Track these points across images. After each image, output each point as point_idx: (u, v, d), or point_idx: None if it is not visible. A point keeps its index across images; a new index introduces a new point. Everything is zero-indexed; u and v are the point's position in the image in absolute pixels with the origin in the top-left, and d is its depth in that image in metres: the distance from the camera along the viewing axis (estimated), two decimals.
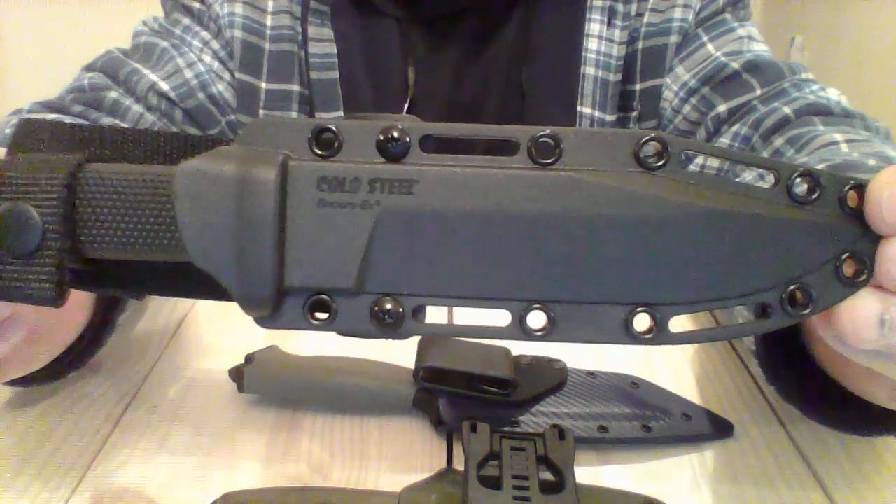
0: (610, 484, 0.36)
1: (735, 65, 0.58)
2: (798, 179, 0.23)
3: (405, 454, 0.39)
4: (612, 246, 0.23)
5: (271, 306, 0.24)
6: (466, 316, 0.25)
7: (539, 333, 0.24)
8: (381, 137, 0.23)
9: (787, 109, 0.53)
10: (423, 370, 0.39)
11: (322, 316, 0.24)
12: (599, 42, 0.60)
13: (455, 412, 0.39)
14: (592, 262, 0.23)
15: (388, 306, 0.24)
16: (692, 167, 0.58)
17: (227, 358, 0.45)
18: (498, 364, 0.39)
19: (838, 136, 0.47)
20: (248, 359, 0.42)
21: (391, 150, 0.23)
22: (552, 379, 0.40)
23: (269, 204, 0.23)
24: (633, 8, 0.61)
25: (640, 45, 0.61)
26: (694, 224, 0.23)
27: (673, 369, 0.46)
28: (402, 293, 0.24)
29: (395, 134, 0.23)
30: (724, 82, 0.58)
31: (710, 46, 0.60)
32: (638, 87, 0.62)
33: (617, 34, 0.60)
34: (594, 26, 0.60)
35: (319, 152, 0.24)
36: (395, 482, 0.34)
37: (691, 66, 0.60)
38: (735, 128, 0.56)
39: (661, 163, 0.23)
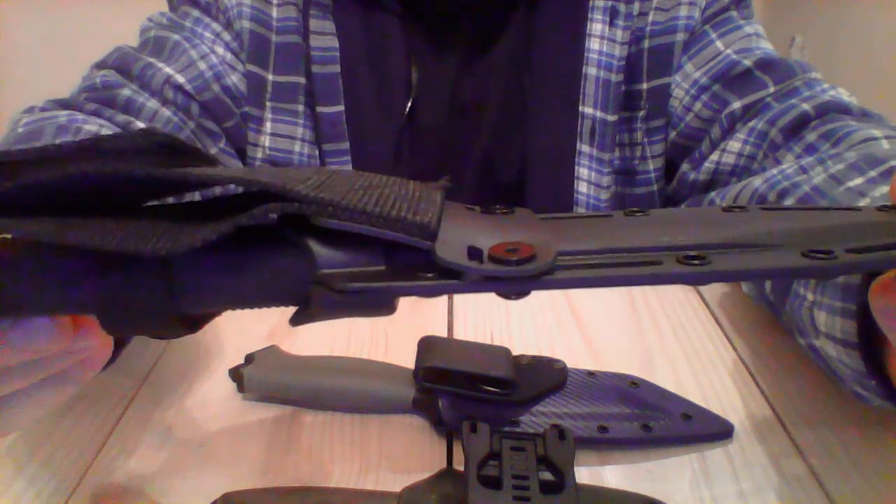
0: (610, 484, 0.36)
1: (747, 62, 0.58)
2: None
3: (405, 454, 0.39)
4: None
5: None
6: None
7: None
8: None
9: (806, 106, 0.53)
10: (423, 370, 0.39)
11: None
12: (601, 42, 0.60)
13: (455, 412, 0.39)
14: None
15: None
16: (707, 164, 0.58)
17: (227, 358, 0.45)
18: (498, 364, 0.39)
19: (876, 132, 0.47)
20: (248, 359, 0.42)
21: None
22: (552, 379, 0.40)
23: None
24: (636, 7, 0.61)
25: (645, 44, 0.61)
26: None
27: (673, 369, 0.46)
28: None
29: None
30: (737, 79, 0.58)
31: (719, 43, 0.60)
32: (645, 86, 0.62)
33: (619, 34, 0.60)
34: (596, 26, 0.60)
35: None
36: (395, 482, 0.34)
37: (701, 63, 0.60)
38: (751, 124, 0.56)
39: None
